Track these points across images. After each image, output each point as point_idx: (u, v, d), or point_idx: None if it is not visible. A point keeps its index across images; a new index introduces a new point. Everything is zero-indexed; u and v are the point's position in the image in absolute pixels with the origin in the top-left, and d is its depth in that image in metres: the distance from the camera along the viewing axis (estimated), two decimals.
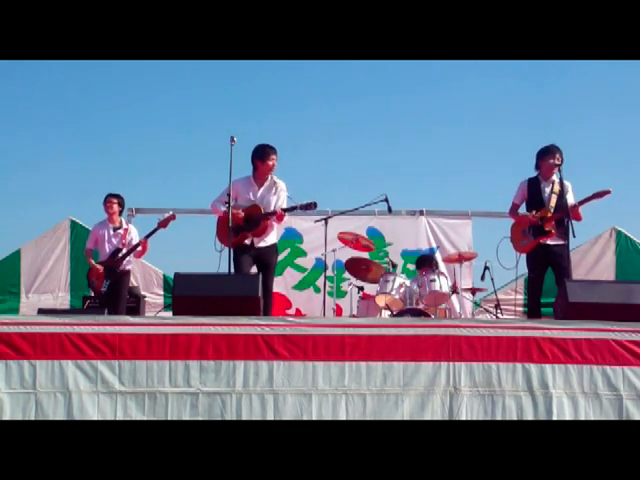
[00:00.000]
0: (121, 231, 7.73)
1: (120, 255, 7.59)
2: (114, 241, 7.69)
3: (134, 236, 7.75)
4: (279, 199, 6.55)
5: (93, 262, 7.66)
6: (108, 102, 16.34)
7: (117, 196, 7.80)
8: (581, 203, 6.46)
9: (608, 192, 6.38)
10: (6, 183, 16.09)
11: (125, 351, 4.88)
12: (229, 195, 6.27)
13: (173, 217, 7.43)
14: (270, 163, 6.51)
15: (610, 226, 9.49)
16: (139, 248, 7.60)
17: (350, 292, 7.98)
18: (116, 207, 7.74)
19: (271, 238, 6.64)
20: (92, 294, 7.87)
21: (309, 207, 6.45)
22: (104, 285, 7.50)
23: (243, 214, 6.42)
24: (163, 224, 7.43)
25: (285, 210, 6.47)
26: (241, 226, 6.40)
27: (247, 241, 6.44)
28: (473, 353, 4.95)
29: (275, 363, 4.90)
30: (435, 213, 9.66)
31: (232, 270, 6.25)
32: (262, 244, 6.53)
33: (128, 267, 7.78)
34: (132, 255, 7.69)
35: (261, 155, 6.51)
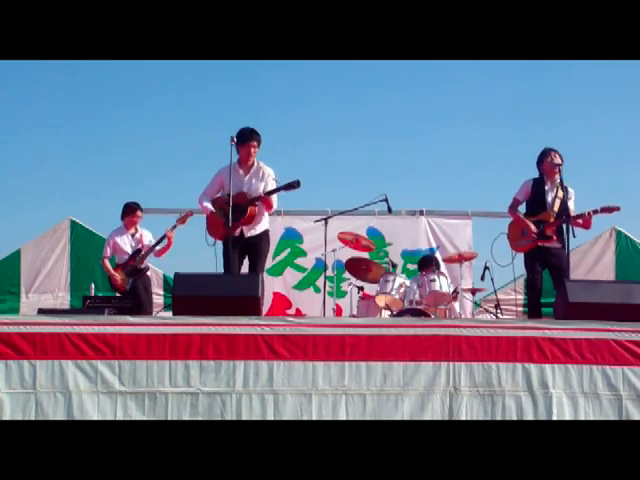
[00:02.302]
0: (138, 236, 7.82)
1: (143, 253, 7.69)
2: (133, 245, 7.79)
3: (150, 238, 7.85)
4: (267, 185, 6.39)
5: (111, 269, 7.69)
6: (108, 102, 16.34)
7: (140, 207, 7.87)
8: (589, 215, 6.44)
9: (617, 209, 6.38)
10: (6, 183, 16.10)
11: (125, 351, 4.88)
12: (229, 195, 6.16)
13: (190, 214, 7.53)
14: (250, 146, 6.36)
15: (610, 226, 9.48)
16: (164, 242, 7.69)
17: (350, 292, 7.97)
18: (139, 218, 7.85)
19: (261, 226, 6.49)
20: (117, 294, 7.85)
21: (292, 186, 6.23)
22: (128, 283, 7.59)
23: (221, 212, 6.29)
24: (181, 220, 7.55)
25: (268, 193, 6.29)
26: (227, 216, 6.24)
27: (237, 232, 6.26)
28: (473, 353, 4.95)
29: (275, 363, 4.90)
30: (435, 213, 9.65)
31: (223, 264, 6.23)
32: (252, 232, 6.40)
33: (148, 267, 7.89)
34: (153, 254, 7.79)
35: (240, 139, 6.37)
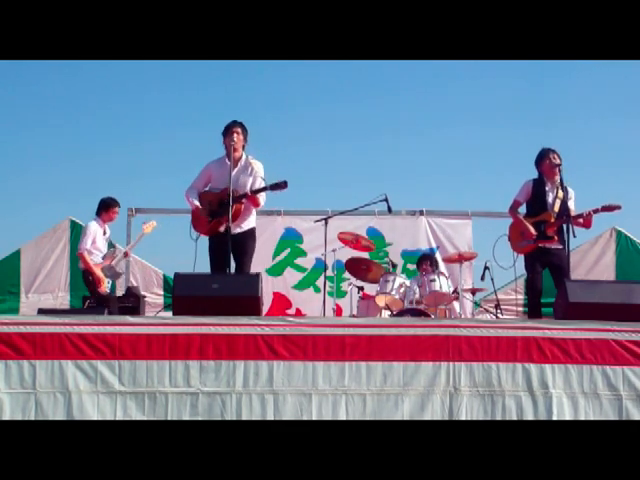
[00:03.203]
0: (108, 234, 7.81)
1: (118, 257, 7.70)
2: (105, 243, 7.74)
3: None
4: (255, 180, 6.26)
5: (94, 267, 7.46)
6: (108, 102, 16.37)
7: (118, 203, 7.80)
8: (590, 214, 6.44)
9: (618, 207, 6.38)
10: (6, 183, 16.11)
11: (125, 351, 4.87)
12: (229, 195, 6.02)
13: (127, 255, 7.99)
14: (232, 136, 6.20)
15: (610, 226, 9.49)
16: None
17: (350, 292, 7.98)
18: (116, 215, 7.80)
19: (248, 223, 6.35)
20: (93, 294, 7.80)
21: (279, 187, 6.13)
22: (107, 286, 7.50)
23: (207, 210, 6.23)
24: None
25: (255, 192, 6.17)
26: (215, 211, 6.20)
27: (222, 228, 6.10)
28: (473, 353, 4.95)
29: (275, 363, 4.90)
30: (435, 213, 9.65)
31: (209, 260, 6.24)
32: (238, 230, 6.24)
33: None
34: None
35: (224, 130, 6.30)
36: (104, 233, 7.70)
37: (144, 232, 7.95)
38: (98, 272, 7.44)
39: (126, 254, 7.88)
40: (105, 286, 7.47)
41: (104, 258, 7.61)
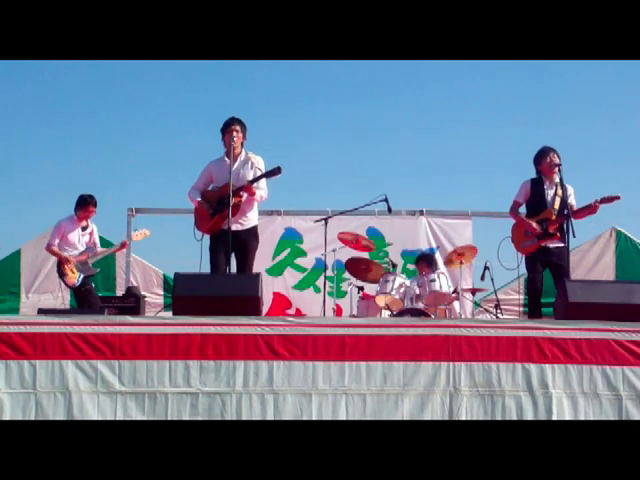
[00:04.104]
0: (89, 230, 7.81)
1: (97, 253, 7.77)
2: (83, 240, 7.75)
3: (97, 235, 7.95)
4: (256, 174, 6.23)
5: (61, 253, 7.58)
6: (109, 102, 16.37)
7: (94, 201, 7.73)
8: (597, 202, 6.45)
9: (617, 198, 6.39)
10: (6, 183, 16.12)
11: (125, 351, 4.88)
12: (230, 195, 5.99)
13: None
14: (232, 135, 6.19)
15: (610, 226, 9.49)
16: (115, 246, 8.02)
17: (350, 292, 7.98)
18: (92, 213, 7.76)
19: (249, 221, 6.31)
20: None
21: (274, 173, 6.13)
22: (78, 280, 7.55)
23: (208, 204, 6.21)
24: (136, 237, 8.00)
25: (251, 182, 6.13)
26: (215, 209, 6.17)
27: (224, 225, 6.05)
28: (473, 353, 4.95)
29: (275, 363, 4.90)
30: (435, 213, 9.66)
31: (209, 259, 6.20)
32: (239, 227, 6.20)
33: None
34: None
35: (222, 128, 6.29)
36: (84, 229, 7.74)
37: (132, 239, 8.09)
38: (70, 265, 7.55)
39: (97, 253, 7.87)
40: (74, 277, 7.56)
41: (82, 254, 7.67)
